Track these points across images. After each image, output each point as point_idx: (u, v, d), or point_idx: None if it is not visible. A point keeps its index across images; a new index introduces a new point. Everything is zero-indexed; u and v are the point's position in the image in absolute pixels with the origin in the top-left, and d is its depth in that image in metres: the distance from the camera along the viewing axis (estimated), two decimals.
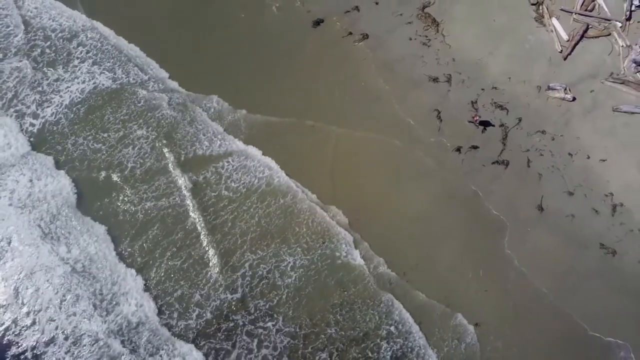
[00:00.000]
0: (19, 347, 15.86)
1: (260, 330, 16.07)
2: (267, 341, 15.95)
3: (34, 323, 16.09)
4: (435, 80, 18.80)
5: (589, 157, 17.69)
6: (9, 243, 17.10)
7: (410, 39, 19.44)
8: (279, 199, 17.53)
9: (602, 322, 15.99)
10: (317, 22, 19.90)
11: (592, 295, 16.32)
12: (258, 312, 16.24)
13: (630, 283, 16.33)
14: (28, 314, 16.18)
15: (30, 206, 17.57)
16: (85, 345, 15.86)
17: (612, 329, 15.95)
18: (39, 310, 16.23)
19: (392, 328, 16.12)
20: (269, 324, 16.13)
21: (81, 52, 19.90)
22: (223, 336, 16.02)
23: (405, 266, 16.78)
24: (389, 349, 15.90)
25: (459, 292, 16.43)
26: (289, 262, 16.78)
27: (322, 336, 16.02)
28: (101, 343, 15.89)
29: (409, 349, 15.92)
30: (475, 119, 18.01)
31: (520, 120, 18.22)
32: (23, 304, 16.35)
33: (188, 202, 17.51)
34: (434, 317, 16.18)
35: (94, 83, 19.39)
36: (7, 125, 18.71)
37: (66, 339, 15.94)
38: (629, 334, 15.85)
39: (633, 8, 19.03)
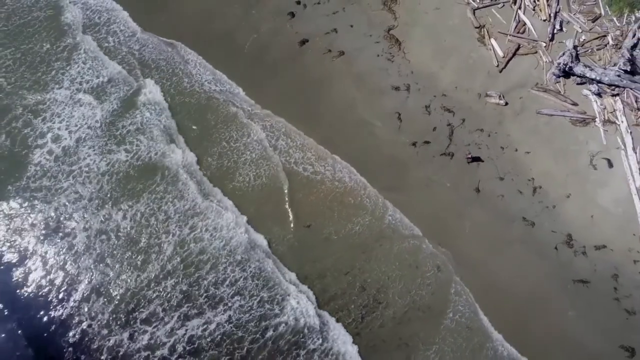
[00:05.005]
0: None
1: None
2: None
3: None
4: (397, 88, 22.19)
5: (516, 150, 21.09)
6: None
7: (378, 55, 22.79)
8: None
9: (522, 276, 19.61)
10: (303, 42, 23.14)
11: (515, 257, 19.77)
12: None
13: (543, 246, 19.86)
14: None
15: None
16: None
17: (531, 281, 19.53)
18: None
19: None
20: None
21: None
22: None
23: None
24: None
25: None
26: None
27: None
28: None
29: None
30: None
31: (463, 120, 21.69)
32: None
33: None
34: None
35: None
36: None
37: None
38: (542, 279, 19.55)
39: (555, 31, 22.62)
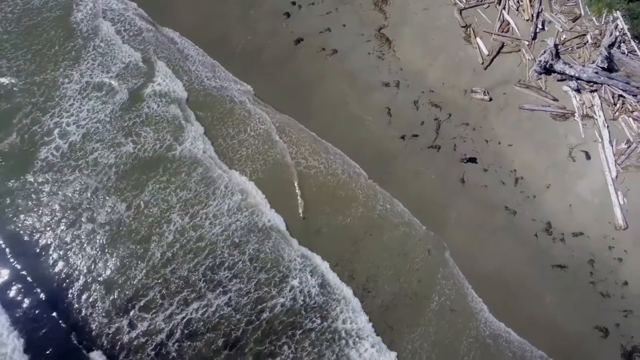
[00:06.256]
0: None
1: None
2: None
3: None
4: (387, 85, 23.23)
5: (500, 143, 22.14)
6: None
7: (369, 54, 23.86)
8: None
9: (504, 262, 20.57)
10: (298, 40, 24.16)
11: (497, 244, 20.75)
12: None
13: (524, 233, 20.90)
14: None
15: None
16: None
17: (512, 267, 20.49)
18: None
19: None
20: None
21: None
22: None
23: None
24: None
25: None
26: None
27: None
28: None
29: None
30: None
31: (450, 115, 22.70)
32: None
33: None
34: None
35: None
36: None
37: None
38: (523, 264, 20.52)
39: (537, 30, 23.66)
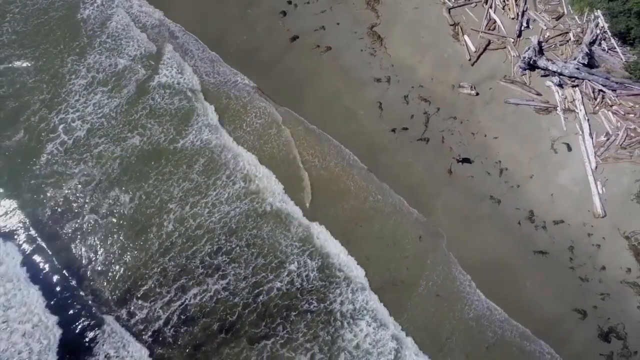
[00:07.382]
0: None
1: None
2: None
3: None
4: (379, 80, 24.18)
5: (485, 136, 23.11)
6: None
7: (362, 50, 24.78)
8: None
9: (489, 248, 21.57)
10: (294, 38, 25.10)
11: (482, 232, 21.73)
12: None
13: (508, 221, 21.83)
14: None
15: None
16: None
17: (496, 253, 21.48)
18: None
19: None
20: None
21: None
22: None
23: None
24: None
25: None
26: None
27: None
28: None
29: None
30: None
31: (438, 109, 23.67)
32: None
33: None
34: None
35: None
36: None
37: None
38: (507, 250, 21.50)
39: (522, 28, 24.61)
